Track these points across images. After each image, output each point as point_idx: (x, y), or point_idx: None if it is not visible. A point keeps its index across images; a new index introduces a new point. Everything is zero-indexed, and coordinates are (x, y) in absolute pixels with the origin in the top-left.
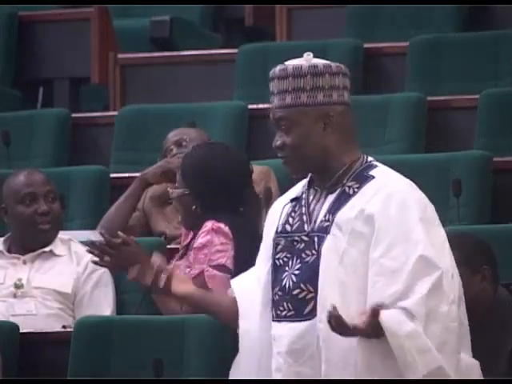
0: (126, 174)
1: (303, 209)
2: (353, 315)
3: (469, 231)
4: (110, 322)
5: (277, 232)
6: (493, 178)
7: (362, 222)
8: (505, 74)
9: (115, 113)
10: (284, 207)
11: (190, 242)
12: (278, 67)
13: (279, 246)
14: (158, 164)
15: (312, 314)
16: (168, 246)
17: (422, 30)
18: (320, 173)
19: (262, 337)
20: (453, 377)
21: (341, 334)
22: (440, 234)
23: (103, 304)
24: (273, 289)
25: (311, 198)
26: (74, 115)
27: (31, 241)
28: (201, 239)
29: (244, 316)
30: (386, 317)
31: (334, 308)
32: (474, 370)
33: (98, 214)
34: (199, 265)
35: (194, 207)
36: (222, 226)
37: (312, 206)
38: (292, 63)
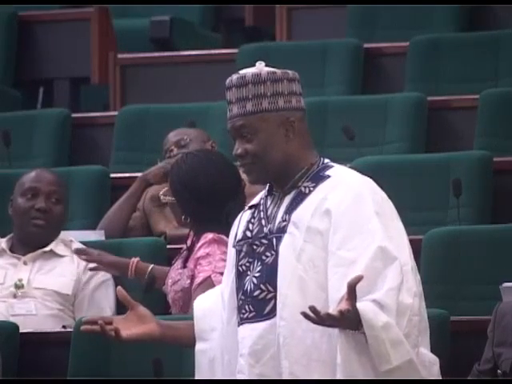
0: (126, 174)
1: (261, 214)
2: None
3: (469, 231)
4: None
5: (237, 240)
6: (493, 178)
7: (318, 219)
8: (505, 74)
9: (115, 113)
10: (242, 216)
11: (192, 246)
12: (235, 76)
13: (242, 253)
14: (159, 165)
15: (272, 313)
16: (168, 246)
17: (422, 29)
18: (278, 179)
19: (229, 345)
20: (421, 370)
21: (329, 325)
22: (397, 227)
23: (104, 306)
24: (237, 295)
25: (269, 202)
26: (74, 115)
27: (26, 238)
28: (204, 249)
29: (200, 337)
30: (364, 307)
31: (312, 308)
32: (436, 365)
33: (98, 214)
34: (204, 273)
35: (183, 217)
36: (223, 236)
37: (270, 209)
38: (248, 71)
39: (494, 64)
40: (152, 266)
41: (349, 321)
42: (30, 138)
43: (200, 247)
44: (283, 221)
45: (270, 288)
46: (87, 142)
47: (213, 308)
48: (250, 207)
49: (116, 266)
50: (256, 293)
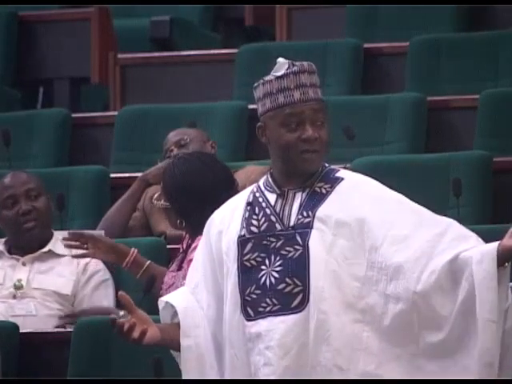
0: (126, 174)
1: (267, 210)
2: (350, 301)
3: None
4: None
5: (240, 236)
6: (493, 178)
7: (345, 215)
8: (505, 74)
9: (115, 113)
10: (234, 213)
11: (188, 248)
12: (305, 62)
13: (246, 248)
14: (159, 165)
15: (300, 307)
16: (168, 246)
17: (422, 30)
18: (299, 175)
19: (234, 339)
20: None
21: None
22: None
23: (104, 306)
24: (244, 290)
25: (273, 200)
26: (74, 115)
27: (23, 243)
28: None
29: (185, 333)
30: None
31: None
32: None
33: (98, 214)
34: None
35: (178, 221)
36: None
37: (278, 206)
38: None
39: (494, 64)
40: (149, 261)
41: None
42: (30, 138)
43: (194, 248)
44: (306, 217)
45: (297, 282)
46: (87, 142)
47: (191, 306)
48: (247, 204)
49: (115, 250)
50: (280, 286)
